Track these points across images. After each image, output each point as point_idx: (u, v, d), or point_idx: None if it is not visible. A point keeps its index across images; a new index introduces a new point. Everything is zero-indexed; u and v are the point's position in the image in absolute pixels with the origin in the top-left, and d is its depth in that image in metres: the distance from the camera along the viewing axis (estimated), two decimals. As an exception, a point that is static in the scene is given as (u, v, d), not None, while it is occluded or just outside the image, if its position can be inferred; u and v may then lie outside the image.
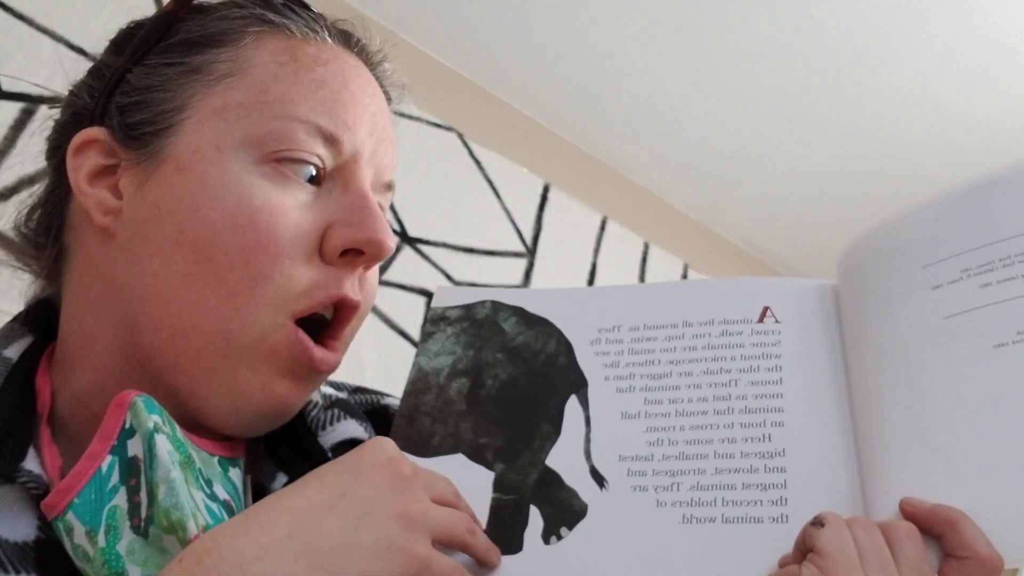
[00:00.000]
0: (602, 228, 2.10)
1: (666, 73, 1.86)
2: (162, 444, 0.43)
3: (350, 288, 0.52)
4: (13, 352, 0.52)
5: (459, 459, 0.54)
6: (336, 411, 0.57)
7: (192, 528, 0.41)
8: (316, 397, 0.57)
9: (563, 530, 0.50)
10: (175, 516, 0.41)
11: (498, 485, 0.52)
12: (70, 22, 1.34)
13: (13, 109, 1.27)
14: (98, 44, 0.57)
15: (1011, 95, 1.79)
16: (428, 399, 0.56)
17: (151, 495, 0.42)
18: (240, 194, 0.48)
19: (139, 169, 0.51)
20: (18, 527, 0.45)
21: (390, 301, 1.66)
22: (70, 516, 0.43)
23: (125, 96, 0.52)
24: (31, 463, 0.46)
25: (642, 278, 2.17)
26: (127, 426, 0.44)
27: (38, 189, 0.57)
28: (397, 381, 0.60)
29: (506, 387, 0.56)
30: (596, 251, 2.08)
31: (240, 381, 0.49)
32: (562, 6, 1.72)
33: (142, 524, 0.42)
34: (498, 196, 1.90)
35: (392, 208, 1.17)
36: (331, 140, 0.51)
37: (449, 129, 1.85)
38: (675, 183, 2.22)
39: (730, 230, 2.39)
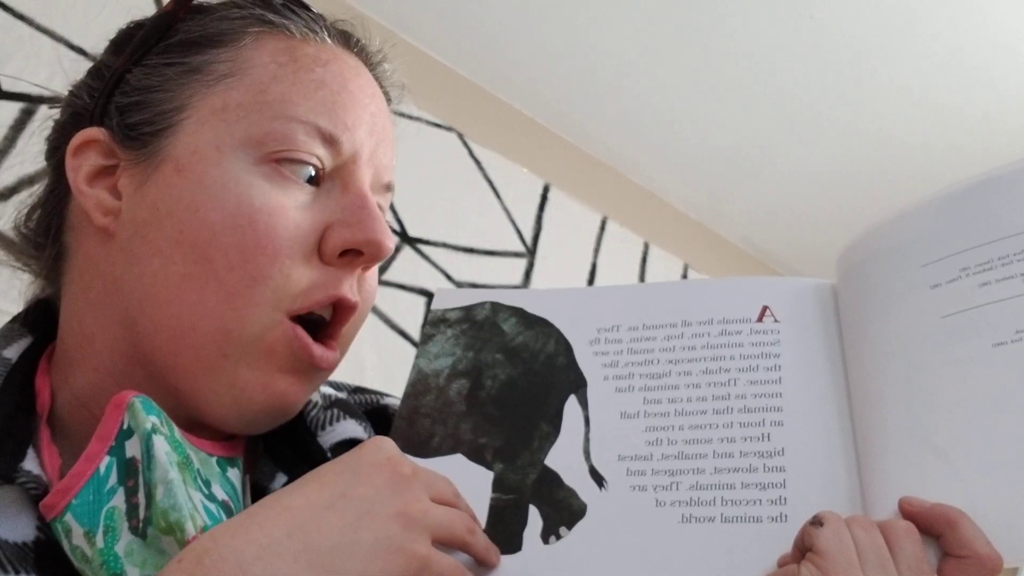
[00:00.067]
0: (602, 228, 2.10)
1: (666, 73, 1.86)
2: (160, 445, 0.43)
3: (348, 289, 0.52)
4: (12, 352, 0.52)
5: (458, 459, 0.54)
6: (335, 411, 0.57)
7: (190, 529, 0.41)
8: (316, 397, 0.57)
9: (562, 530, 0.50)
10: (173, 517, 0.41)
11: (497, 485, 0.52)
12: (70, 22, 1.35)
13: (13, 109, 1.27)
14: (98, 44, 0.57)
15: (1011, 95, 1.79)
16: (428, 400, 0.56)
17: (149, 496, 0.42)
18: (239, 194, 0.49)
19: (138, 169, 0.51)
20: (18, 527, 0.45)
21: (390, 301, 1.66)
22: (68, 517, 0.43)
23: (125, 96, 0.52)
24: (30, 463, 0.46)
25: (642, 278, 2.17)
26: (125, 427, 0.44)
27: (38, 189, 0.57)
28: (397, 381, 0.60)
29: (505, 387, 0.56)
30: (596, 251, 2.08)
31: (241, 379, 0.49)
32: (562, 6, 1.72)
33: (140, 525, 0.42)
34: (498, 196, 1.91)
35: (392, 208, 1.17)
36: (330, 141, 0.51)
37: (449, 129, 1.85)
38: (675, 183, 2.22)
39: (730, 230, 2.39)
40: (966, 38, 1.67)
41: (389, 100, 0.60)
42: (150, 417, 0.44)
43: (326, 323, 0.52)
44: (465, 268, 1.81)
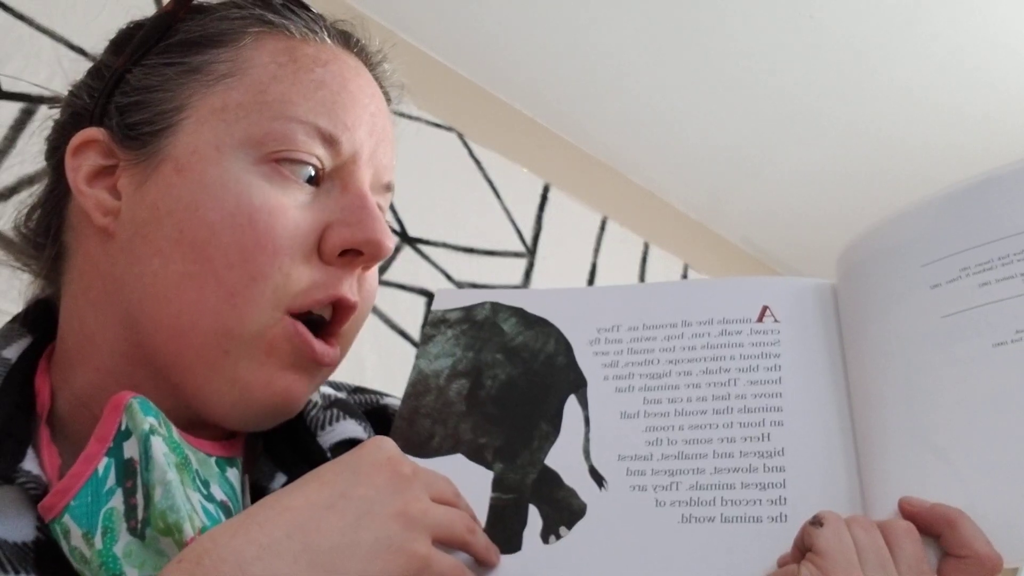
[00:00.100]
0: (602, 228, 2.10)
1: (666, 73, 1.86)
2: (158, 446, 0.43)
3: (348, 288, 0.52)
4: (12, 352, 0.52)
5: (458, 459, 0.54)
6: (335, 411, 0.57)
7: (188, 530, 0.41)
8: (315, 397, 0.57)
9: (562, 529, 0.50)
10: (171, 518, 0.41)
11: (497, 485, 0.52)
12: (70, 22, 1.35)
13: (13, 109, 1.28)
14: (98, 44, 0.57)
15: (1011, 95, 1.79)
16: (428, 401, 0.56)
17: (147, 497, 0.42)
18: (239, 194, 0.49)
19: (138, 169, 0.51)
20: (17, 528, 0.45)
21: (390, 301, 1.66)
22: (67, 519, 0.43)
23: (124, 96, 0.52)
24: (30, 464, 0.46)
25: (642, 278, 2.17)
26: (123, 428, 0.44)
27: (38, 189, 0.57)
28: (397, 381, 0.60)
29: (505, 387, 0.56)
30: (596, 251, 2.08)
31: (243, 376, 0.49)
32: (562, 6, 1.72)
33: (139, 526, 0.42)
34: (498, 196, 1.91)
35: (392, 208, 1.17)
36: (330, 141, 0.51)
37: (449, 129, 1.85)
38: (675, 183, 2.22)
39: (730, 230, 2.39)
40: (966, 38, 1.67)
41: (389, 100, 0.60)
42: (148, 418, 0.44)
43: (326, 323, 0.52)
44: (465, 268, 1.81)
